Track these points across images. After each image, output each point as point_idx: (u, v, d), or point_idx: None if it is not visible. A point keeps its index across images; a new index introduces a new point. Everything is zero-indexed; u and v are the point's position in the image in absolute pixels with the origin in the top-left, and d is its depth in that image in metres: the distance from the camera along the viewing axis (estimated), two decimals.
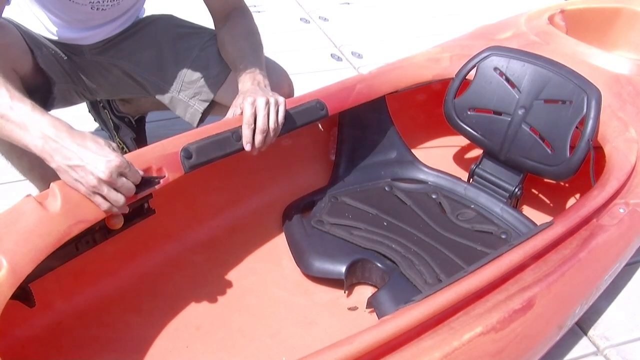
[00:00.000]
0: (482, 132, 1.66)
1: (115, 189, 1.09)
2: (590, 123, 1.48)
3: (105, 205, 1.10)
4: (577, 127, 1.51)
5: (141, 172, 1.15)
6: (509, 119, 1.61)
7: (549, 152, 1.54)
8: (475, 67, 1.66)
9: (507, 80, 1.63)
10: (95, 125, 2.00)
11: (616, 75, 1.70)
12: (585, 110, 1.49)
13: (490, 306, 1.09)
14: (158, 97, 1.63)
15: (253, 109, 1.31)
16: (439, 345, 1.00)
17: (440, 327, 1.04)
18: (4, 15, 1.44)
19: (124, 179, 1.10)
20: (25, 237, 1.02)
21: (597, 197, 1.34)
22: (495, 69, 1.64)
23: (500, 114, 1.63)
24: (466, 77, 1.68)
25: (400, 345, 0.99)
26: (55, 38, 1.53)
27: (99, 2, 1.45)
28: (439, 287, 1.08)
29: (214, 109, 1.59)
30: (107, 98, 1.85)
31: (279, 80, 1.59)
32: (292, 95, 1.63)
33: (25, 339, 1.18)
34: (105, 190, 1.08)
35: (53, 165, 1.09)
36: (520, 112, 1.59)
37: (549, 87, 1.56)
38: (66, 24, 1.50)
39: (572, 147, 1.50)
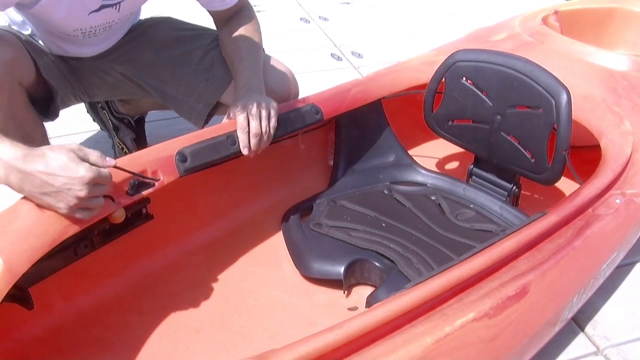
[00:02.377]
0: (466, 141, 1.64)
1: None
2: (562, 132, 1.41)
3: (88, 215, 1.08)
4: (554, 129, 1.44)
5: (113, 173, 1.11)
6: (488, 127, 1.57)
7: (532, 160, 1.50)
8: (444, 79, 1.62)
9: (477, 87, 1.57)
10: (96, 125, 2.01)
11: (611, 71, 1.70)
12: (555, 118, 1.43)
13: (483, 293, 1.08)
14: (161, 100, 1.66)
15: (245, 113, 1.33)
16: (431, 331, 0.99)
17: (433, 313, 1.04)
18: (5, 24, 1.47)
19: (99, 185, 1.06)
20: (21, 237, 1.04)
21: (592, 187, 1.34)
22: (463, 77, 1.59)
23: (479, 122, 1.59)
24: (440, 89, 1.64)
25: (391, 331, 0.99)
26: (54, 52, 1.56)
27: (90, 31, 1.46)
28: (431, 274, 1.08)
29: (219, 109, 1.60)
30: (106, 99, 1.86)
31: (284, 80, 1.61)
32: (297, 96, 1.65)
33: (26, 340, 1.20)
34: (88, 203, 1.05)
35: (25, 194, 1.04)
36: (497, 119, 1.55)
37: (517, 92, 1.50)
38: (63, 42, 1.53)
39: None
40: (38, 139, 1.49)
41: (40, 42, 1.55)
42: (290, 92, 1.61)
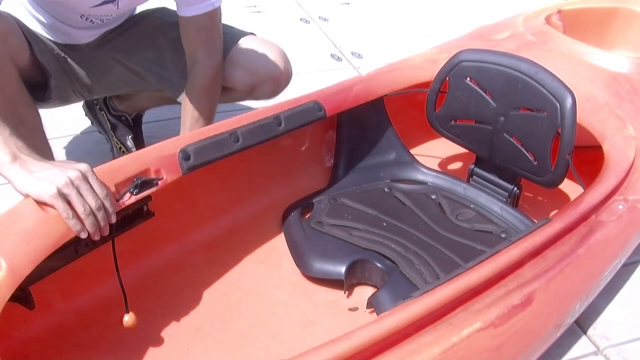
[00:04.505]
0: (468, 141, 1.63)
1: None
2: (566, 137, 1.40)
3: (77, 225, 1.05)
4: (558, 134, 1.43)
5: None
6: (491, 128, 1.56)
7: (534, 162, 1.48)
8: (447, 78, 1.61)
9: (481, 88, 1.56)
10: (94, 127, 2.00)
11: (614, 73, 1.69)
12: (559, 121, 1.41)
13: (489, 302, 1.08)
14: (159, 86, 1.66)
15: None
16: (438, 341, 1.00)
17: (439, 323, 1.03)
18: (1, 9, 1.45)
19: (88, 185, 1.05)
20: (24, 239, 1.02)
21: (595, 193, 1.34)
22: (467, 77, 1.58)
23: (482, 122, 1.58)
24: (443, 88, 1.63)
25: (399, 341, 0.99)
26: (50, 37, 1.55)
27: (89, 15, 1.48)
28: (437, 283, 1.08)
29: None
30: (105, 95, 1.85)
31: (276, 60, 1.60)
32: (290, 76, 1.64)
33: (26, 340, 1.19)
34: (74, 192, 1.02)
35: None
36: (501, 120, 1.53)
37: (521, 94, 1.48)
38: (61, 23, 1.53)
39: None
40: (30, 122, 1.47)
41: (43, 32, 1.54)
42: (282, 71, 1.60)
